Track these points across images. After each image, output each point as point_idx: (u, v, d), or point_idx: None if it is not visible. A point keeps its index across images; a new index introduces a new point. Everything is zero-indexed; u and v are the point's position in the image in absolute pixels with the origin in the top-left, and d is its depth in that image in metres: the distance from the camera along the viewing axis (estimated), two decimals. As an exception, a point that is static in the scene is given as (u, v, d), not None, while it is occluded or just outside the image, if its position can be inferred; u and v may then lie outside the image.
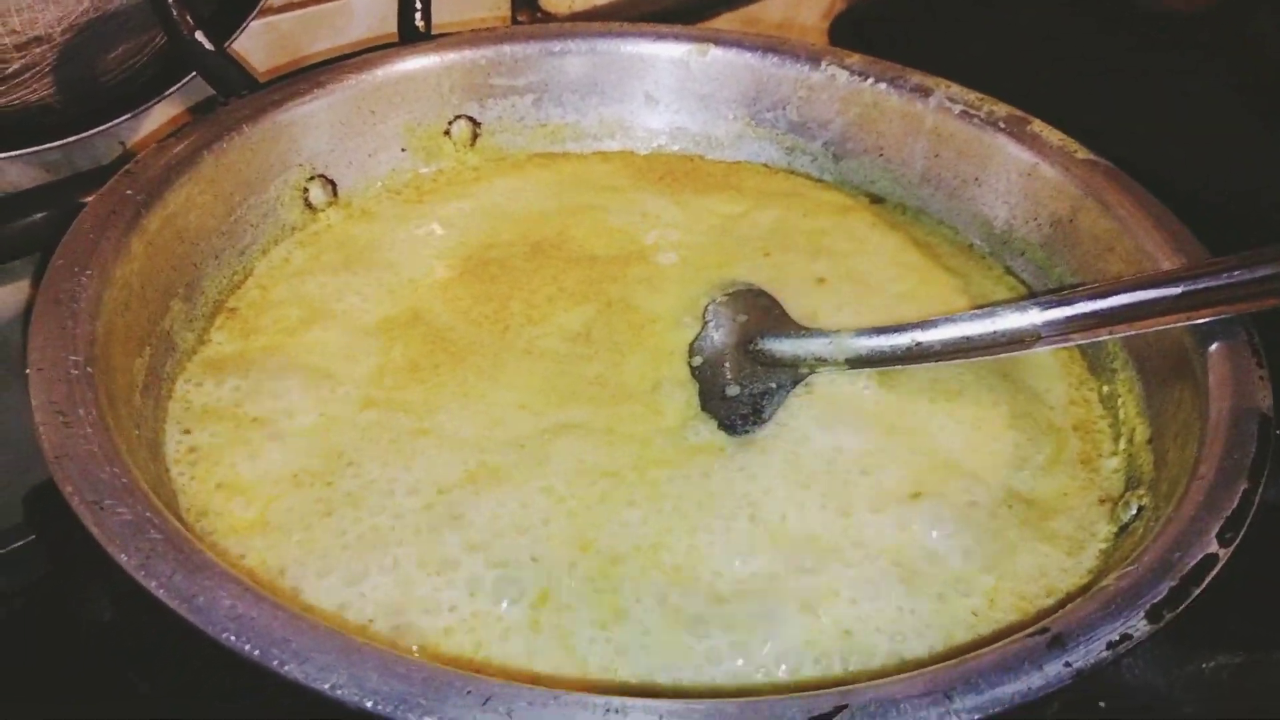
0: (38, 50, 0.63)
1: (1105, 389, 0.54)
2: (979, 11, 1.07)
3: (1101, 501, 0.48)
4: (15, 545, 0.70)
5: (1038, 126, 0.61)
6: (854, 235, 0.64)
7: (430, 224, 0.65)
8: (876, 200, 0.67)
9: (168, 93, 0.68)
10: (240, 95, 0.61)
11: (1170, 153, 0.83)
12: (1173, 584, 0.35)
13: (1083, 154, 0.59)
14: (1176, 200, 0.55)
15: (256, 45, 0.80)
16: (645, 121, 0.71)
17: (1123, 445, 0.50)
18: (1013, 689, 0.32)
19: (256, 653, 0.31)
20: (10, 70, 0.62)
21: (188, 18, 0.61)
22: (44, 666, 0.58)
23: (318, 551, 0.43)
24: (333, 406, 0.51)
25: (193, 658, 0.45)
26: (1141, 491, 0.46)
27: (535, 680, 0.37)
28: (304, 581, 0.42)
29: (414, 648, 0.40)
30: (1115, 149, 0.61)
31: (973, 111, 0.62)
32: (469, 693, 0.30)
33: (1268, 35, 0.94)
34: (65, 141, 0.64)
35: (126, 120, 0.67)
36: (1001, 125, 0.61)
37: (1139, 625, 0.34)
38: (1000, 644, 0.34)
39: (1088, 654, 0.33)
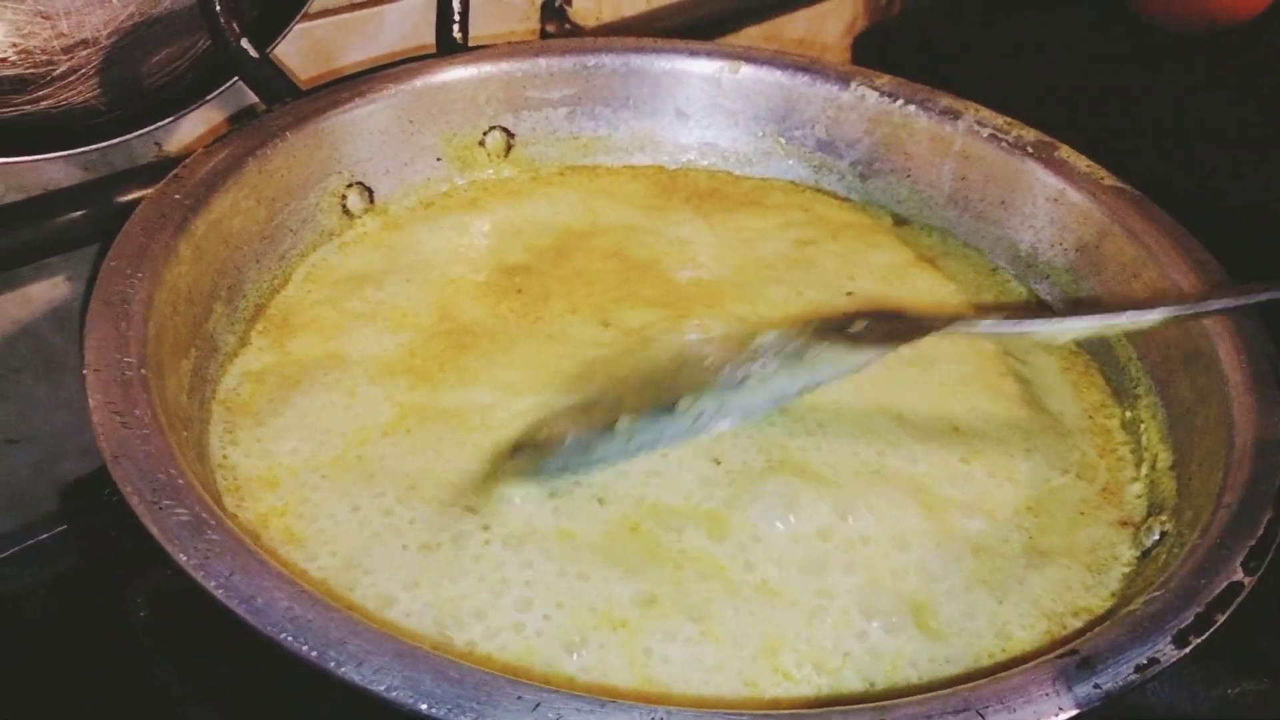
0: (84, 53, 0.64)
1: (1128, 414, 0.55)
2: (1000, 31, 1.09)
3: (1123, 525, 0.49)
4: (43, 537, 0.71)
5: (1065, 152, 0.62)
6: (877, 259, 0.65)
7: (464, 233, 0.66)
8: (901, 221, 0.68)
9: (209, 97, 0.69)
10: (284, 102, 0.62)
11: (1197, 168, 0.84)
12: (1199, 610, 0.36)
13: (1110, 181, 0.60)
14: (1204, 217, 0.56)
15: (293, 51, 0.81)
16: (675, 136, 0.72)
17: (1145, 471, 0.51)
18: (1043, 708, 0.33)
19: (314, 654, 0.32)
20: (57, 72, 0.63)
21: (234, 25, 0.62)
22: (74, 661, 0.59)
23: (356, 554, 0.44)
24: (368, 410, 0.52)
25: (227, 658, 0.46)
26: (1164, 517, 0.47)
27: (586, 689, 0.38)
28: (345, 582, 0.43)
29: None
30: (1141, 164, 0.61)
31: (1001, 135, 0.63)
32: (519, 698, 0.31)
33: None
34: (108, 144, 0.65)
35: (168, 124, 0.68)
36: (1030, 150, 0.62)
37: (1166, 650, 0.35)
38: (1031, 664, 0.35)
39: (1116, 677, 0.34)
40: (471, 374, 0.54)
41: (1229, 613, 0.36)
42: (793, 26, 1.13)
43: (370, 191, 0.65)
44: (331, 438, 0.50)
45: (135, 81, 0.68)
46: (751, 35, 1.09)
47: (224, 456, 0.48)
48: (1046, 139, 0.63)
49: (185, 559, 0.34)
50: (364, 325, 0.57)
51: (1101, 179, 0.60)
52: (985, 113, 0.65)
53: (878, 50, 1.09)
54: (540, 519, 0.46)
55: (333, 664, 0.32)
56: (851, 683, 0.40)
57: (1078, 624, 0.44)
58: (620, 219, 0.68)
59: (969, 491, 0.50)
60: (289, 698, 0.42)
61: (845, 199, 0.70)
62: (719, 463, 0.49)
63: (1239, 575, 0.38)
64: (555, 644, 0.41)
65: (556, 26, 0.99)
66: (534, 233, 0.66)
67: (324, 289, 0.60)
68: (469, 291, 0.60)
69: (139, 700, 0.54)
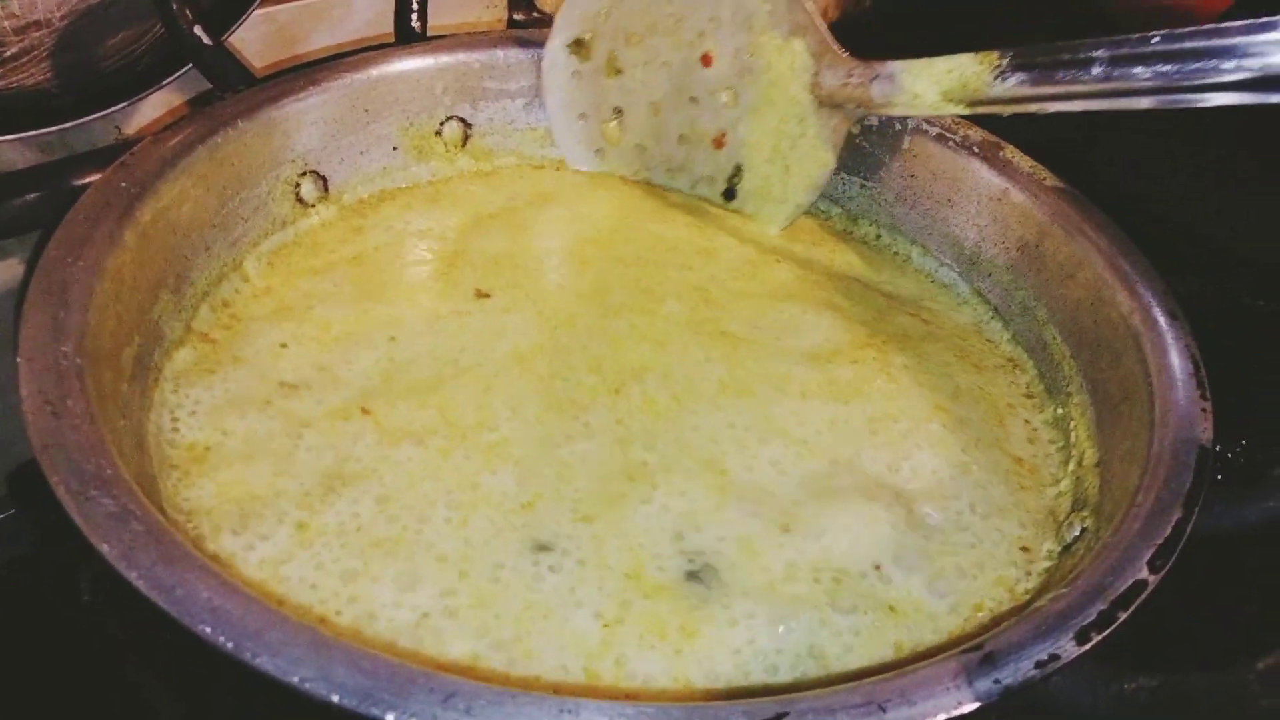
0: (36, 35, 0.64)
1: (1059, 411, 0.56)
2: (969, 25, 1.09)
3: (1049, 519, 0.50)
4: (-1, 518, 0.71)
5: (1010, 153, 0.62)
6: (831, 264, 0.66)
7: (420, 221, 0.66)
8: (852, 218, 0.69)
9: (165, 82, 0.69)
10: (237, 90, 0.62)
11: (1145, 166, 0.85)
12: (1102, 608, 0.37)
13: (1051, 181, 0.61)
14: (1146, 214, 0.57)
15: (254, 36, 0.81)
16: (632, 129, 0.72)
17: (1072, 468, 0.52)
18: (943, 702, 0.34)
19: (231, 645, 0.33)
20: (8, 54, 0.63)
21: (187, 11, 0.62)
22: (16, 643, 0.59)
23: (290, 542, 0.45)
24: (314, 398, 0.52)
25: (169, 644, 0.47)
26: (1086, 513, 0.48)
27: (502, 681, 0.38)
28: (275, 571, 0.44)
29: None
30: (1090, 161, 0.62)
31: (948, 135, 0.64)
32: (431, 689, 0.32)
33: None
34: (61, 127, 0.65)
35: (123, 108, 0.68)
36: (975, 150, 0.63)
37: (1067, 646, 0.36)
38: (936, 659, 0.36)
39: (1017, 672, 0.35)
40: (423, 383, 0.54)
41: (1131, 610, 0.38)
42: (763, 17, 1.13)
43: (325, 180, 0.65)
44: (273, 429, 0.50)
45: (90, 64, 0.68)
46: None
47: (162, 443, 0.49)
48: (993, 139, 0.63)
49: (108, 549, 0.35)
50: (313, 316, 0.57)
51: (1043, 179, 0.61)
52: (933, 112, 0.65)
53: (845, 43, 1.09)
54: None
55: (249, 655, 0.33)
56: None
57: (1006, 608, 0.45)
58: (588, 213, 0.68)
59: (907, 479, 0.51)
60: (231, 687, 0.42)
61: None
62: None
63: (1144, 573, 0.39)
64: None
65: (525, 14, 0.98)
66: (486, 224, 0.66)
67: (274, 277, 0.60)
68: (422, 285, 0.60)
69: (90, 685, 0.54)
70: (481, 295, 0.60)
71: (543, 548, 0.45)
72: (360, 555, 0.45)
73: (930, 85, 0.55)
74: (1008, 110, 0.54)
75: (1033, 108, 0.52)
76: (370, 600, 0.43)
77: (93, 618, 0.53)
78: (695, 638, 0.42)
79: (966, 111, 0.54)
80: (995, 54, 0.52)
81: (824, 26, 0.61)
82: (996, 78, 0.52)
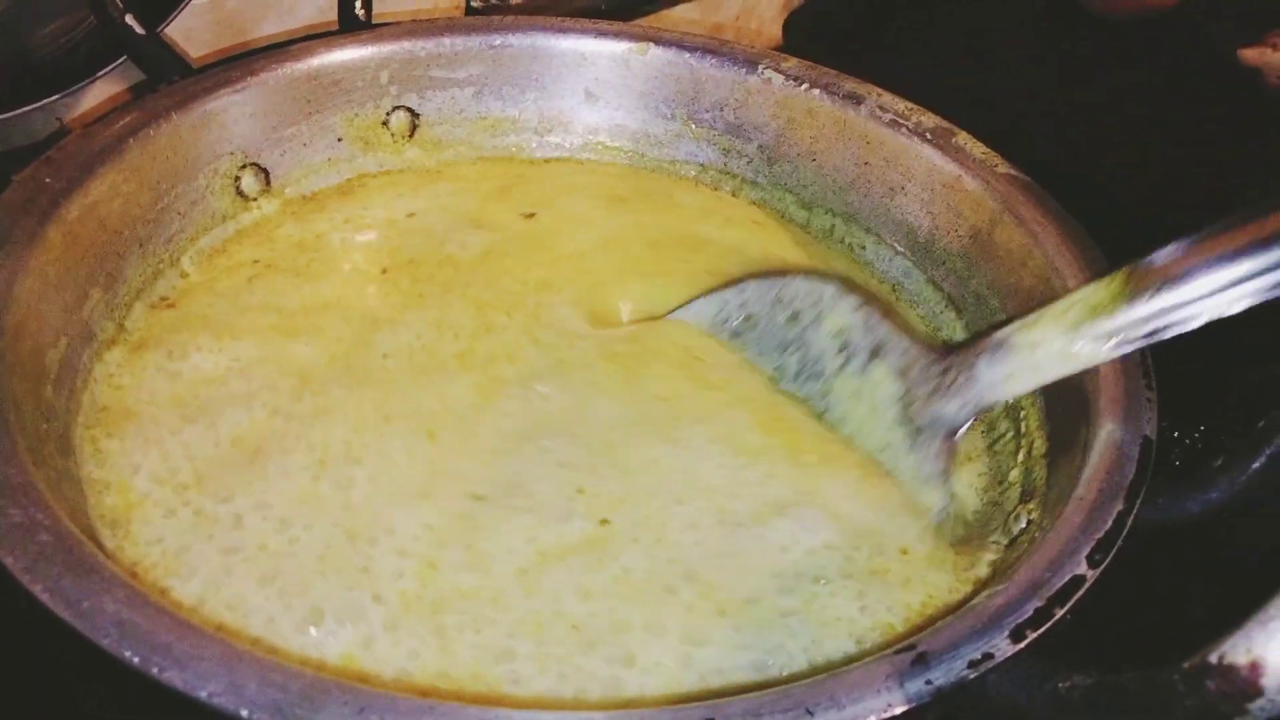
0: (-35, 25, 0.63)
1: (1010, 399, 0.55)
2: (934, 12, 1.08)
3: (996, 512, 0.49)
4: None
5: (962, 139, 0.61)
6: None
7: (366, 216, 0.65)
8: (805, 206, 0.68)
9: (102, 73, 0.67)
10: (171, 81, 0.60)
11: (1112, 156, 0.85)
12: (1038, 604, 0.37)
13: (1004, 168, 0.60)
14: (1107, 208, 0.56)
15: (200, 24, 0.79)
16: (584, 117, 0.71)
17: (1022, 458, 0.51)
18: (872, 705, 0.33)
19: (136, 659, 0.32)
20: (-64, 45, 0.62)
21: (118, 1, 0.61)
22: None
23: (218, 553, 0.44)
24: (250, 404, 0.51)
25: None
26: (1032, 505, 0.47)
27: (420, 691, 0.38)
28: (201, 585, 0.43)
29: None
30: (1051, 151, 0.61)
31: (901, 121, 0.63)
32: (346, 703, 0.31)
33: (1216, 39, 0.96)
34: (-3, 118, 0.64)
35: (59, 99, 0.67)
36: (928, 136, 0.62)
37: (1002, 645, 0.36)
38: (867, 660, 0.35)
39: (949, 672, 0.35)
40: (358, 392, 0.52)
41: (1069, 606, 0.37)
42: (728, 5, 1.12)
43: (266, 173, 0.64)
44: (208, 435, 0.49)
45: (24, 54, 0.66)
46: (687, 11, 1.08)
47: (90, 448, 0.47)
48: (946, 125, 0.62)
49: (12, 561, 0.34)
50: (251, 315, 0.56)
51: (996, 165, 0.60)
52: (887, 98, 0.64)
53: (810, 28, 1.08)
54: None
55: (155, 669, 0.32)
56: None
57: (958, 598, 0.45)
58: (526, 206, 0.67)
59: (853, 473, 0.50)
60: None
61: (755, 182, 0.70)
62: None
63: (1083, 568, 0.38)
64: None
65: (483, 0, 0.97)
66: (434, 219, 0.65)
67: (213, 274, 0.59)
68: (365, 285, 0.59)
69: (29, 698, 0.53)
70: (420, 292, 0.59)
71: None
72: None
73: (1048, 329, 0.45)
74: (1171, 330, 0.41)
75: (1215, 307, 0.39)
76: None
77: (30, 628, 0.52)
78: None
79: (1110, 353, 0.43)
80: (1123, 271, 0.42)
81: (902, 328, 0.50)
82: (1136, 295, 0.41)
